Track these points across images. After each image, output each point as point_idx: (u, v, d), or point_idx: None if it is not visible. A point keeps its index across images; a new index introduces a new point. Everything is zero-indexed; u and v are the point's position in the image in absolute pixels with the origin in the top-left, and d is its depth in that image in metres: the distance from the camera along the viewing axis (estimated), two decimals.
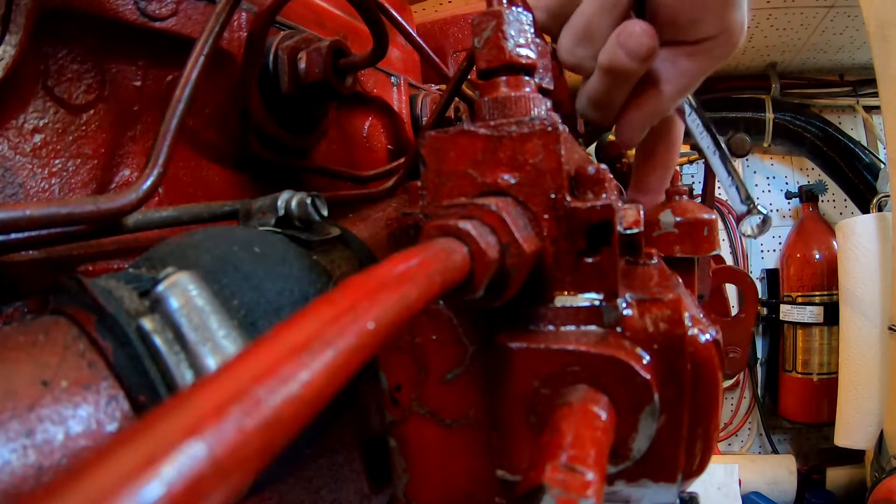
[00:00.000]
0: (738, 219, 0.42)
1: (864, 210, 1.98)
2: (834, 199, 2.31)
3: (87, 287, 0.22)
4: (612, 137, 1.06)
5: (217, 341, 0.22)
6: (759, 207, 0.41)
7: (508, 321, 0.24)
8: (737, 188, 0.41)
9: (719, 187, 2.31)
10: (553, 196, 0.23)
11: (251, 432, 0.09)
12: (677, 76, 0.38)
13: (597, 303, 0.23)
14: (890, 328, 1.61)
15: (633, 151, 0.49)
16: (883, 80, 1.50)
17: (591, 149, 1.13)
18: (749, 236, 0.43)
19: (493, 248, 0.20)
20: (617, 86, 0.38)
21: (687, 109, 0.43)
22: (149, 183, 0.30)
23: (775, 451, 2.28)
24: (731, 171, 0.42)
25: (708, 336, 0.23)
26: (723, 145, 0.42)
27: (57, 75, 0.32)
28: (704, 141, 0.42)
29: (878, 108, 1.92)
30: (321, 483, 0.36)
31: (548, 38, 0.41)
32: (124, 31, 0.34)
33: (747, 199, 0.41)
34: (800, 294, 2.10)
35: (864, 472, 1.85)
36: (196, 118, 0.40)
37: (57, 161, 0.32)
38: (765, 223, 0.41)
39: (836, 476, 2.05)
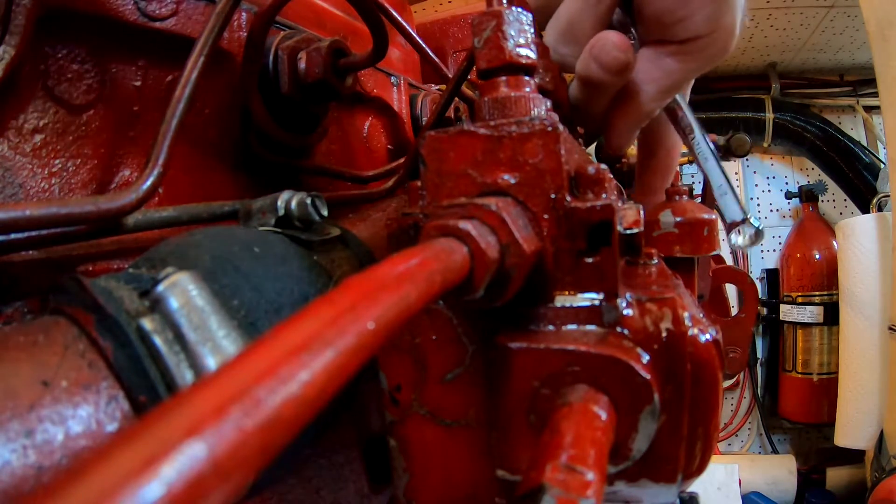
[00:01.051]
0: (729, 228, 0.40)
1: (864, 210, 1.98)
2: (834, 199, 2.31)
3: (87, 287, 0.22)
4: None
5: (217, 341, 0.22)
6: (751, 219, 0.40)
7: (508, 321, 0.24)
8: (730, 196, 0.40)
9: None
10: (553, 196, 0.23)
11: (251, 432, 0.09)
12: (661, 77, 0.37)
13: (597, 303, 0.23)
14: (890, 328, 1.61)
15: (635, 150, 0.49)
16: (883, 80, 1.50)
17: (591, 149, 1.13)
18: (739, 247, 0.42)
19: (493, 248, 0.20)
20: (595, 95, 0.37)
21: (679, 112, 0.42)
22: (149, 183, 0.30)
23: (775, 451, 2.29)
24: (726, 179, 0.41)
25: (708, 336, 0.22)
26: (715, 151, 0.41)
27: (57, 75, 0.32)
28: (697, 146, 0.41)
29: (878, 108, 1.92)
30: (321, 483, 0.36)
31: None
32: (124, 31, 0.34)
33: (738, 209, 0.40)
34: (800, 294, 2.10)
35: (864, 472, 1.85)
36: (196, 118, 0.40)
37: (57, 161, 0.32)
38: (757, 235, 0.40)
39: (836, 476, 2.06)
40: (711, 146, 0.41)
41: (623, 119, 0.39)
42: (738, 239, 0.40)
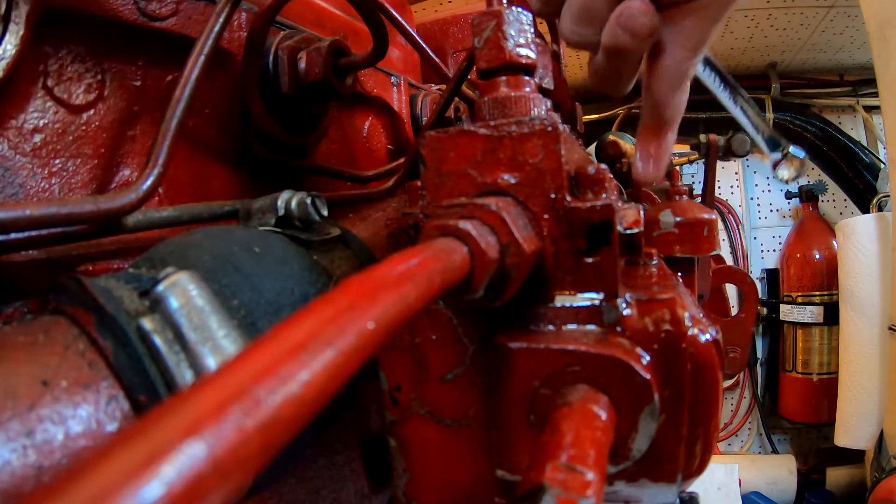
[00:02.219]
0: (774, 165, 0.41)
1: (864, 210, 1.98)
2: (834, 199, 2.31)
3: (87, 287, 0.22)
4: (612, 137, 1.06)
5: (217, 341, 0.22)
6: (791, 150, 0.40)
7: (508, 321, 0.24)
8: (763, 135, 0.41)
9: (719, 187, 2.31)
10: (553, 196, 0.23)
11: (251, 432, 0.09)
12: (685, 38, 0.39)
13: (597, 302, 0.23)
14: (890, 328, 1.61)
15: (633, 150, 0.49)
16: (883, 80, 1.50)
17: (591, 149, 1.13)
18: (786, 181, 0.42)
19: (493, 248, 0.20)
20: (623, 63, 0.39)
21: (700, 65, 0.42)
22: (149, 183, 0.30)
23: (775, 451, 2.28)
24: (753, 120, 0.41)
25: (708, 336, 0.22)
26: (743, 93, 0.42)
27: (57, 75, 0.32)
28: (723, 94, 0.42)
29: (878, 108, 1.92)
30: (321, 483, 0.36)
31: (548, 38, 0.41)
32: (124, 31, 0.34)
33: (776, 145, 0.41)
34: (800, 294, 2.10)
35: (864, 472, 1.85)
36: (196, 118, 0.40)
37: (57, 161, 0.32)
38: (803, 166, 0.41)
39: (836, 476, 2.05)
40: (738, 90, 0.41)
41: (661, 83, 0.41)
42: (784, 174, 0.41)
